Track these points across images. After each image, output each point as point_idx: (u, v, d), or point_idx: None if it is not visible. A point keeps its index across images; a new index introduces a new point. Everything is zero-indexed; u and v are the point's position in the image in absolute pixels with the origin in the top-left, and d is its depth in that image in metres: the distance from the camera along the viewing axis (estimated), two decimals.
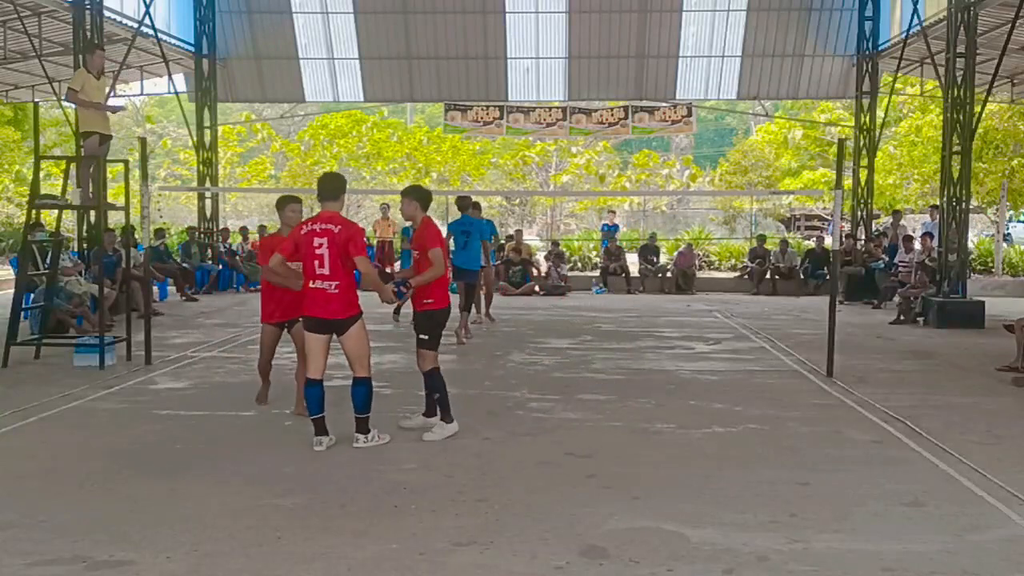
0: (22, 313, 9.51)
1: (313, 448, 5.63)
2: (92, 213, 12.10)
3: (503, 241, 18.64)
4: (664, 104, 19.66)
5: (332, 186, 5.76)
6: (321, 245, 5.51)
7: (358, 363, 5.72)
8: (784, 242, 19.43)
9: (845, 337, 9.89)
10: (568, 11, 18.73)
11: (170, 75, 18.07)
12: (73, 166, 9.82)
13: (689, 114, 19.93)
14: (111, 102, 10.64)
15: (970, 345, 10.63)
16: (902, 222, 19.26)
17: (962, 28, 12.99)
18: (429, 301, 6.01)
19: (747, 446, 5.93)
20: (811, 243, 20.89)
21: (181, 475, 5.11)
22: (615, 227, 20.88)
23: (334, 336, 5.70)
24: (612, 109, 20.14)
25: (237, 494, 4.80)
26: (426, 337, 6.02)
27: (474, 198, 11.38)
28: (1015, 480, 5.04)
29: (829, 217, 27.78)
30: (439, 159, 29.19)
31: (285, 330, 6.65)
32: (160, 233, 16.45)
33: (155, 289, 14.05)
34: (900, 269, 15.09)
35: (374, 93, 20.21)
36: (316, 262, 5.54)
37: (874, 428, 6.44)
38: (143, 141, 9.97)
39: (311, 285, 5.59)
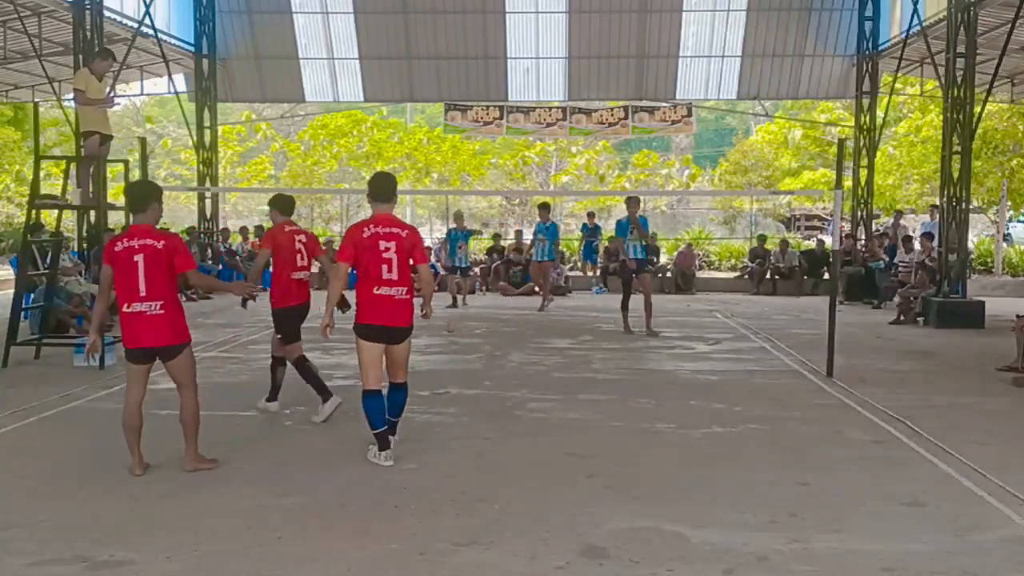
0: (22, 313, 9.51)
1: (383, 464, 5.27)
2: (92, 213, 12.10)
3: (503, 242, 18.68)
4: (664, 104, 19.66)
5: (387, 187, 5.43)
6: (388, 249, 5.21)
7: (404, 369, 5.47)
8: (784, 242, 19.42)
9: (845, 337, 9.89)
10: (568, 11, 18.74)
11: (170, 75, 18.08)
12: (73, 166, 9.82)
13: (689, 114, 19.93)
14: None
15: (970, 345, 10.63)
16: (902, 222, 19.27)
17: (962, 28, 12.99)
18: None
19: (747, 446, 5.93)
20: (811, 243, 20.88)
21: (181, 475, 5.10)
22: (596, 228, 20.34)
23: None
24: (612, 109, 20.14)
25: (237, 494, 4.80)
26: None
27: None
28: (1015, 480, 5.03)
29: (829, 217, 27.78)
30: (439, 159, 29.18)
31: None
32: None
33: None
34: (900, 269, 15.10)
35: (374, 93, 20.22)
36: (384, 267, 5.21)
37: (874, 428, 6.44)
38: (143, 141, 9.98)
39: (376, 291, 5.22)
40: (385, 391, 5.44)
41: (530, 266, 15.74)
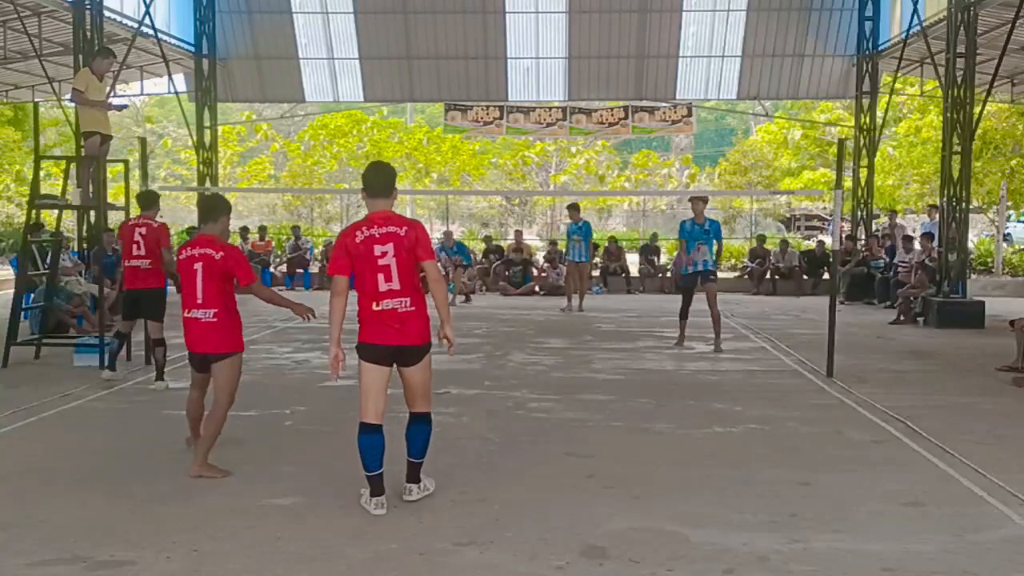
0: (22, 313, 9.51)
1: (373, 512, 4.45)
2: (92, 213, 12.10)
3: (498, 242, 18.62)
4: (664, 104, 19.66)
5: (381, 179, 4.62)
6: (385, 254, 4.44)
7: (424, 398, 4.76)
8: (784, 242, 19.43)
9: (845, 337, 9.89)
10: (568, 11, 18.73)
11: (170, 75, 18.06)
12: (73, 166, 9.82)
13: (689, 114, 19.93)
14: (112, 101, 10.65)
15: (970, 345, 10.62)
16: (899, 220, 19.26)
17: (962, 28, 12.99)
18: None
19: (747, 446, 5.93)
20: (811, 244, 20.87)
21: (181, 475, 5.10)
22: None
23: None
24: (612, 109, 20.14)
25: (237, 494, 4.80)
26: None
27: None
28: (1015, 480, 5.03)
29: (829, 217, 27.78)
30: (439, 159, 29.21)
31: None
32: None
33: None
34: (900, 269, 15.08)
35: (374, 93, 20.22)
36: (381, 276, 4.44)
37: (874, 428, 6.44)
38: (143, 141, 9.97)
39: (376, 307, 4.46)
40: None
41: (566, 267, 14.98)
